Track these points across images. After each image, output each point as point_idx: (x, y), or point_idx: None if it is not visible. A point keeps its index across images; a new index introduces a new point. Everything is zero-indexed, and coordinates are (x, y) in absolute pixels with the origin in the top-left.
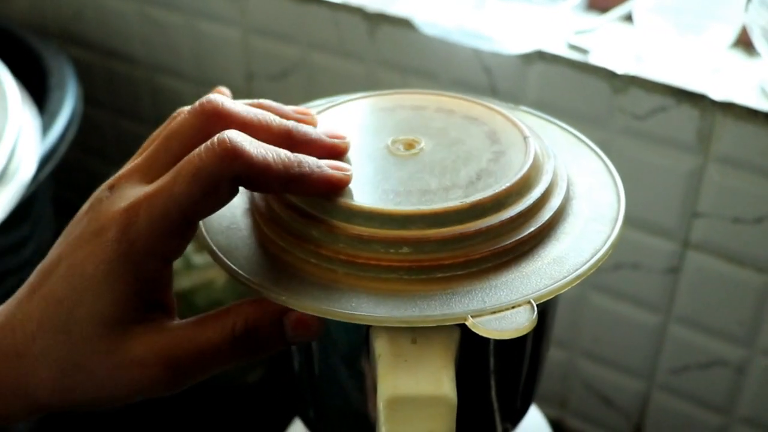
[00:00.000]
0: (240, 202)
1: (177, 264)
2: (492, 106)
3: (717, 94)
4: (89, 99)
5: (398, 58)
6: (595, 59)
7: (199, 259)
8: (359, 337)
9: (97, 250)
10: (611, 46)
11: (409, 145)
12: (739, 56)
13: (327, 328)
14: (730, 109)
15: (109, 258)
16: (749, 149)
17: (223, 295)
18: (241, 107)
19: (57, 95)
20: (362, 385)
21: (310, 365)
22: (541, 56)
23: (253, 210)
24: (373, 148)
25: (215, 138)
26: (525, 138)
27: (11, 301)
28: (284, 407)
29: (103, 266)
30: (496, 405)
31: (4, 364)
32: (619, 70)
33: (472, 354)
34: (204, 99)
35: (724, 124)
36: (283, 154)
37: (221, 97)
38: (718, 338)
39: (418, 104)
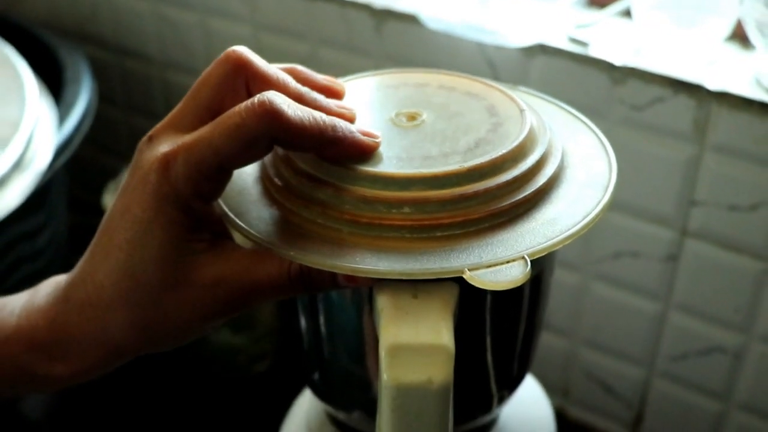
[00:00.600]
0: (251, 170)
1: None
2: (492, 83)
3: (713, 85)
4: (103, 96)
5: (404, 52)
6: (595, 52)
7: None
8: (362, 294)
9: (143, 195)
10: (610, 39)
11: (412, 117)
12: (734, 49)
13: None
14: (725, 98)
15: (154, 200)
16: (744, 138)
17: None
18: (263, 62)
19: (72, 89)
20: (365, 343)
21: (315, 325)
22: (542, 49)
23: (263, 176)
24: (378, 120)
25: (256, 98)
26: (522, 111)
27: (81, 260)
28: (291, 397)
29: (150, 208)
30: (492, 369)
31: (81, 316)
32: (618, 62)
33: (471, 313)
34: (230, 49)
35: (720, 114)
36: (319, 117)
37: (246, 49)
38: (716, 325)
39: (421, 82)
